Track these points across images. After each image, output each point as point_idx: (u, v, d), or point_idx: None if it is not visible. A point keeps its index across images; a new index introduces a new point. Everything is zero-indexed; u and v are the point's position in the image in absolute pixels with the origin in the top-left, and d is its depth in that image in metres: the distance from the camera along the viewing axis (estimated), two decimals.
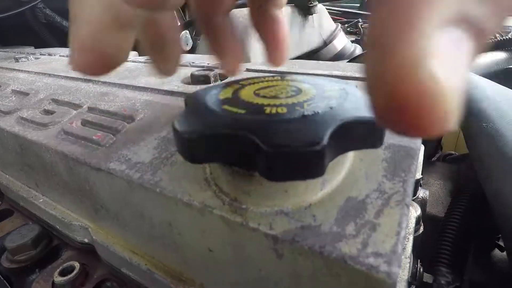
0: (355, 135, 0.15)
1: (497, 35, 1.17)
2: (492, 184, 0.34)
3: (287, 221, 0.18)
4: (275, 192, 0.18)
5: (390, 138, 0.22)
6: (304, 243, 0.16)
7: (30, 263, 0.37)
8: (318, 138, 0.14)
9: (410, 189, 0.18)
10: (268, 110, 0.17)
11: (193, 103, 0.19)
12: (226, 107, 0.18)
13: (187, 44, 1.35)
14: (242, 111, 0.17)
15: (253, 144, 0.14)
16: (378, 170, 0.19)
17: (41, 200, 0.39)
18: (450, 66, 0.08)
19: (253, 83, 0.21)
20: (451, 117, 0.08)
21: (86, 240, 0.36)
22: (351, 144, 0.16)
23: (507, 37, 0.96)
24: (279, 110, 0.17)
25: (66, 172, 0.31)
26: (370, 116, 0.15)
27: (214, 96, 0.19)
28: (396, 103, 0.08)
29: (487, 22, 0.09)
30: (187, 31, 1.35)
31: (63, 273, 0.34)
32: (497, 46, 0.97)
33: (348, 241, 0.16)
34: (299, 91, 0.19)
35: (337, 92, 0.18)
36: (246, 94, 0.19)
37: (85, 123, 0.32)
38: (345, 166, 0.20)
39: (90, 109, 0.35)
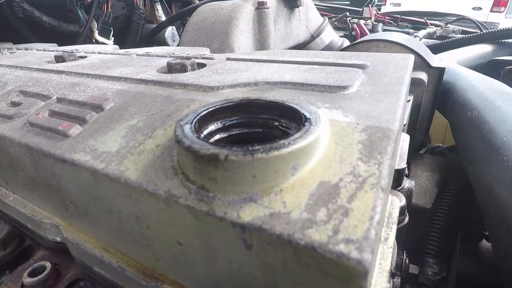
0: None
1: (483, 29, 1.19)
2: (476, 170, 0.33)
3: (255, 208, 0.16)
4: (242, 177, 0.17)
5: (368, 120, 0.21)
6: (273, 231, 0.15)
7: None
8: None
9: (386, 172, 0.17)
10: None
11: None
12: None
13: (174, 40, 1.33)
14: None
15: None
16: (353, 153, 0.18)
17: (11, 198, 0.37)
18: None
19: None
20: None
21: (58, 239, 0.34)
22: None
23: (491, 30, 0.97)
24: None
25: (32, 166, 0.30)
26: None
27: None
28: None
29: None
30: (174, 27, 1.33)
31: (33, 274, 0.32)
32: (482, 39, 0.98)
33: (318, 228, 0.15)
34: None
35: None
36: None
37: (52, 114, 0.31)
38: (318, 150, 0.18)
39: (59, 100, 0.33)
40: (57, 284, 0.32)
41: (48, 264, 0.33)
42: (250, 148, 0.16)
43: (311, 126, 0.18)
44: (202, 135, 0.20)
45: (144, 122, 0.26)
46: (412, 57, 0.38)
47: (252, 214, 0.16)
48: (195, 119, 0.21)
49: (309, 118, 0.19)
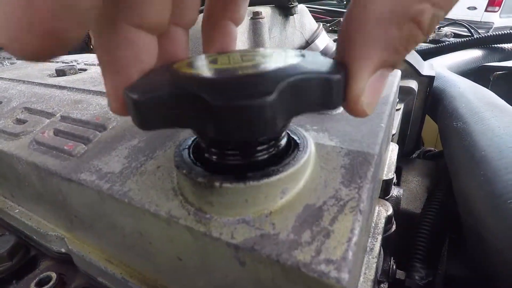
0: (309, 92, 0.15)
1: (475, 34, 1.21)
2: (459, 182, 0.35)
3: (247, 230, 0.18)
4: (236, 201, 0.18)
5: (351, 143, 0.23)
6: (263, 251, 0.17)
7: (6, 275, 0.37)
8: (268, 91, 0.13)
9: (365, 195, 0.19)
10: (219, 71, 0.16)
11: (149, 73, 0.18)
12: (179, 72, 0.17)
13: None
14: (194, 74, 0.16)
15: (200, 101, 0.13)
16: (336, 177, 0.20)
17: (16, 211, 0.39)
18: (372, 96, 0.16)
19: (212, 56, 0.20)
20: (365, 115, 0.17)
21: (63, 250, 0.35)
22: (305, 103, 0.15)
23: (481, 35, 0.99)
24: (231, 69, 0.16)
25: (39, 182, 0.31)
26: (324, 73, 0.15)
27: (172, 66, 0.18)
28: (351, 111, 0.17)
29: (398, 62, 0.16)
30: None
31: (40, 284, 0.34)
32: (473, 44, 1.01)
33: (303, 249, 0.16)
34: (256, 56, 0.18)
35: (294, 56, 0.17)
36: (202, 62, 0.19)
37: (57, 132, 0.32)
38: (305, 174, 0.20)
39: (63, 118, 0.34)
40: None
41: (54, 275, 0.34)
42: (242, 176, 0.18)
43: (300, 152, 0.20)
44: (200, 160, 0.21)
45: (145, 142, 0.28)
46: (398, 73, 0.40)
47: (245, 235, 0.18)
48: (193, 144, 0.23)
49: (298, 143, 0.21)
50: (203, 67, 0.17)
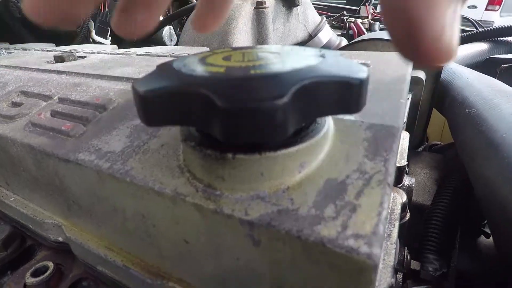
0: (326, 95, 0.14)
1: (479, 28, 1.19)
2: (476, 168, 0.33)
3: (263, 206, 0.16)
4: (250, 175, 0.17)
5: (372, 118, 0.21)
6: (281, 227, 0.15)
7: (1, 265, 0.35)
8: (279, 94, 0.12)
9: (392, 168, 0.17)
10: (230, 69, 0.15)
11: (160, 68, 0.18)
12: (189, 68, 0.16)
13: (172, 40, 1.32)
14: (205, 72, 0.15)
15: (208, 101, 0.13)
16: (359, 151, 0.18)
17: (12, 199, 0.37)
18: (452, 29, 0.14)
19: (225, 52, 0.20)
20: (452, 55, 0.15)
21: (60, 239, 0.34)
22: (321, 107, 0.14)
23: (487, 29, 0.98)
24: (244, 68, 0.15)
25: (35, 166, 0.30)
26: (344, 76, 0.14)
27: (183, 62, 0.18)
28: (424, 52, 0.14)
29: None
30: (171, 27, 1.33)
31: (35, 274, 0.32)
32: (479, 37, 0.99)
33: (327, 224, 0.15)
34: (271, 55, 0.17)
35: (313, 56, 0.16)
36: (214, 58, 0.18)
37: (54, 114, 0.31)
38: (324, 148, 0.19)
39: (61, 100, 0.33)
40: (60, 284, 0.32)
41: (50, 264, 0.33)
42: (257, 147, 0.16)
43: (317, 125, 0.19)
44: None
45: None
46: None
47: (260, 211, 0.16)
48: None
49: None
50: (214, 64, 0.17)
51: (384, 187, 0.16)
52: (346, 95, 0.14)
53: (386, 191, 0.16)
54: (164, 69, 0.17)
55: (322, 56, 0.16)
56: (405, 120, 0.46)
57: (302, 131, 0.18)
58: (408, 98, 0.56)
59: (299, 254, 0.15)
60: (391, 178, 0.16)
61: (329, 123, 0.19)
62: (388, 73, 0.30)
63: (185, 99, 0.14)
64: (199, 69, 0.16)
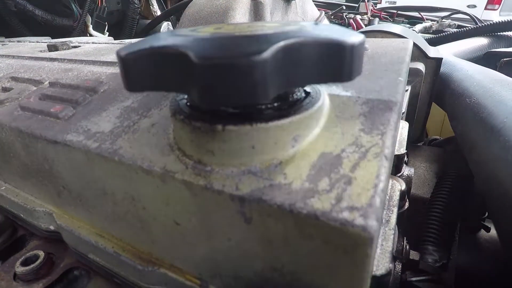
0: (315, 59, 0.13)
1: (479, 22, 1.19)
2: (476, 153, 0.33)
3: (255, 180, 0.16)
4: (240, 148, 0.16)
5: (369, 94, 0.20)
6: (273, 201, 0.14)
7: None
8: (258, 50, 0.11)
9: (389, 142, 0.16)
10: (215, 34, 0.15)
11: (148, 37, 0.17)
12: (176, 35, 0.16)
13: None
14: (190, 36, 0.15)
15: (186, 59, 0.12)
16: (355, 125, 0.18)
17: (3, 188, 0.36)
18: None
19: (220, 26, 0.19)
20: None
21: (51, 228, 0.33)
22: (309, 72, 0.13)
23: (487, 23, 0.97)
24: (228, 33, 0.15)
25: (24, 151, 0.29)
26: (336, 39, 0.13)
27: (173, 32, 0.17)
28: None
29: None
30: (169, 22, 1.32)
31: (26, 263, 0.31)
32: (479, 32, 0.99)
33: (320, 197, 0.14)
34: (265, 25, 0.17)
35: (308, 25, 0.16)
36: (206, 29, 0.17)
37: (44, 97, 0.30)
38: (319, 122, 0.18)
39: (52, 84, 0.32)
40: (50, 273, 0.31)
41: (41, 253, 0.32)
42: (248, 118, 0.16)
43: (312, 99, 0.18)
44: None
45: (139, 103, 0.25)
46: (411, 42, 0.37)
47: (252, 186, 0.15)
48: None
49: (309, 92, 0.19)
50: (203, 31, 0.16)
51: (381, 159, 0.15)
52: (337, 59, 0.13)
53: (383, 163, 0.15)
54: (152, 37, 0.16)
55: (316, 24, 0.16)
56: (404, 110, 0.45)
57: (296, 104, 0.17)
58: (408, 90, 0.55)
59: (291, 229, 0.15)
60: (388, 151, 0.16)
61: (324, 97, 0.19)
62: (387, 56, 0.29)
63: (164, 59, 0.13)
64: (186, 35, 0.15)
